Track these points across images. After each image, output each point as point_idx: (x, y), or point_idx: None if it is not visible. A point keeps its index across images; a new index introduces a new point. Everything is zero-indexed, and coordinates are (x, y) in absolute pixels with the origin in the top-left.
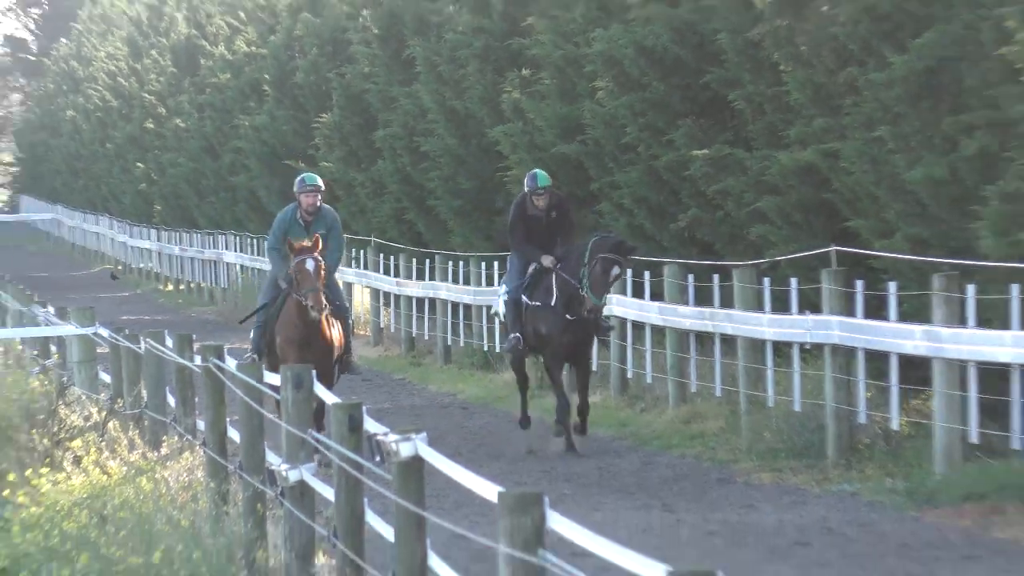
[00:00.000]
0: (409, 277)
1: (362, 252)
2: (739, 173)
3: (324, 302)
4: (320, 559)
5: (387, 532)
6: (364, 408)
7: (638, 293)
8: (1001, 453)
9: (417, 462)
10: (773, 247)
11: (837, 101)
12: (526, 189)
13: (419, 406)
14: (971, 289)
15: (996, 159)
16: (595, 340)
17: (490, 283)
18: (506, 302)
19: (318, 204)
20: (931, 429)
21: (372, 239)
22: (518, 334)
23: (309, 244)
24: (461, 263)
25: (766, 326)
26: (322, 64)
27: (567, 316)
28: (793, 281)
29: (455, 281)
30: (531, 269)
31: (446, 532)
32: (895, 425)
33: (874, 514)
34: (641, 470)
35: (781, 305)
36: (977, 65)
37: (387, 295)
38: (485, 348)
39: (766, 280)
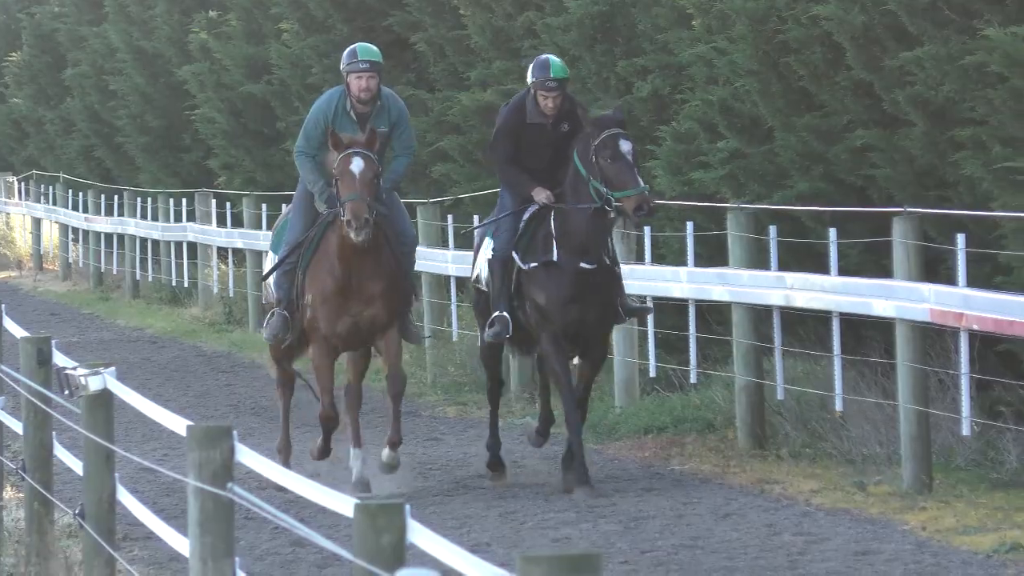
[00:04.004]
0: (98, 213)
1: (51, 188)
2: (422, 113)
3: (368, 217)
4: (8, 493)
5: (76, 466)
6: (53, 342)
7: None
8: (679, 386)
9: (106, 396)
10: (456, 185)
11: (516, 44)
12: (531, 80)
13: (108, 340)
14: (647, 227)
15: (669, 100)
16: (610, 330)
17: (178, 219)
18: (490, 261)
19: (376, 89)
20: (611, 363)
21: (61, 175)
22: (504, 313)
23: (360, 137)
24: (149, 199)
25: (450, 262)
26: (11, 3)
27: (581, 265)
28: (475, 218)
29: (143, 217)
30: (527, 214)
31: (135, 465)
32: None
33: (556, 446)
34: None
35: (463, 242)
36: (649, 10)
37: (76, 230)
38: (173, 283)
39: (449, 217)
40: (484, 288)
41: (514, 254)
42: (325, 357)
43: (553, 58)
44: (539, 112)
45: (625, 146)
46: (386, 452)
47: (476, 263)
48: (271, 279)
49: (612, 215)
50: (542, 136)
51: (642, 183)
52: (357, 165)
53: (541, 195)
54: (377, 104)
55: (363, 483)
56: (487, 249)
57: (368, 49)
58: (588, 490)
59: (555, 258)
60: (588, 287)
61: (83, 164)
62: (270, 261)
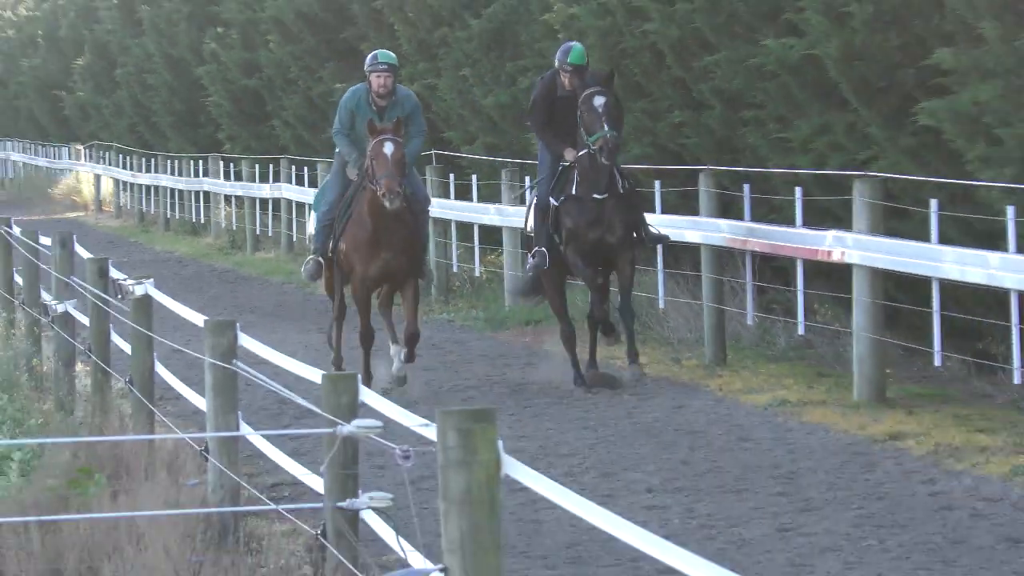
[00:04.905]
0: (140, 171)
1: (107, 153)
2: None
3: (400, 190)
4: (79, 367)
5: (126, 348)
6: (109, 261)
7: (299, 179)
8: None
9: (147, 299)
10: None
11: (435, 50)
12: (556, 61)
13: (148, 260)
14: (527, 180)
15: None
16: (633, 248)
17: (196, 175)
18: (533, 207)
19: (392, 86)
20: (501, 276)
21: (114, 145)
22: (543, 248)
23: (390, 125)
24: (177, 161)
25: None
26: (77, 22)
27: (594, 196)
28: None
29: (172, 173)
30: (560, 168)
31: (168, 348)
32: (477, 272)
33: (464, 334)
34: (303, 304)
35: None
36: (528, 27)
37: (125, 183)
38: (193, 220)
39: None
40: (531, 234)
41: (551, 199)
42: (363, 292)
43: (576, 45)
44: (564, 88)
45: (597, 100)
46: (396, 360)
47: (526, 216)
48: (312, 233)
49: (597, 146)
50: (571, 106)
51: (606, 128)
52: (388, 148)
53: (570, 154)
54: (393, 99)
55: (400, 378)
56: (531, 200)
57: (386, 54)
58: (636, 368)
59: (574, 191)
60: (603, 212)
61: (129, 136)
62: (312, 218)
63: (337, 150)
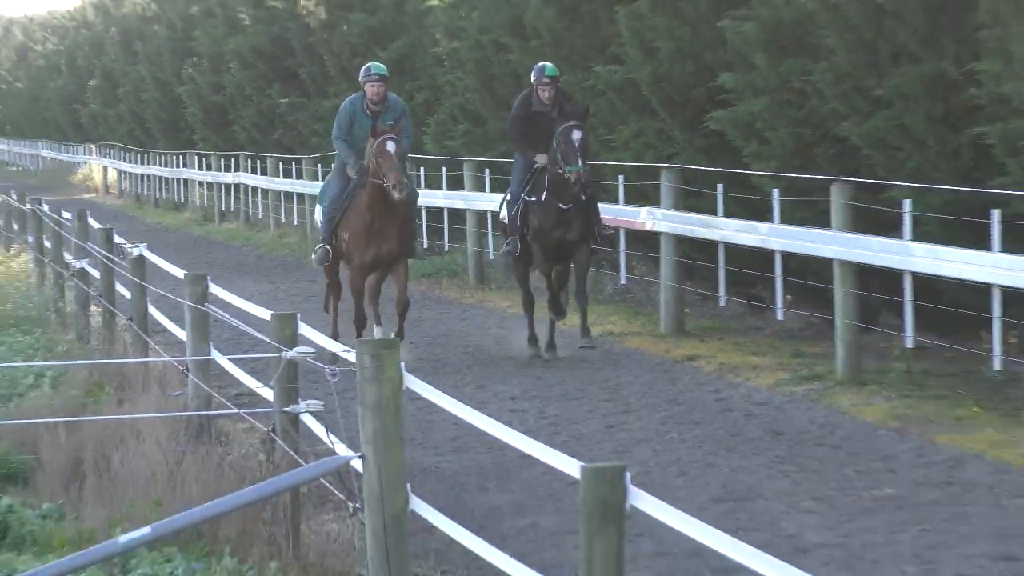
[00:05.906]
0: (136, 163)
1: (111, 150)
2: (303, 111)
3: (406, 181)
4: (92, 308)
5: (127, 294)
6: (114, 230)
7: (253, 169)
8: (439, 252)
9: (142, 258)
10: (328, 147)
11: (353, 73)
12: (533, 79)
13: (142, 230)
14: (420, 170)
15: (433, 105)
16: (590, 243)
17: (178, 166)
18: (508, 203)
19: (384, 94)
20: None
21: (116, 144)
22: (516, 239)
23: (389, 128)
24: (163, 156)
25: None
26: (91, 54)
27: (560, 206)
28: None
29: (160, 165)
30: (534, 168)
31: (157, 294)
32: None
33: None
34: (258, 262)
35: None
36: (422, 56)
37: (126, 172)
38: (176, 199)
39: (319, 165)
40: (505, 221)
41: (523, 195)
42: (359, 280)
43: (548, 63)
44: (540, 102)
45: (575, 135)
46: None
47: (500, 205)
48: (319, 223)
49: (571, 178)
50: (545, 119)
51: (580, 163)
52: (391, 146)
53: (541, 159)
54: (385, 104)
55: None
56: (506, 194)
57: (378, 66)
58: (553, 352)
59: (543, 199)
60: (566, 218)
61: (128, 138)
62: (318, 210)
63: (337, 153)
